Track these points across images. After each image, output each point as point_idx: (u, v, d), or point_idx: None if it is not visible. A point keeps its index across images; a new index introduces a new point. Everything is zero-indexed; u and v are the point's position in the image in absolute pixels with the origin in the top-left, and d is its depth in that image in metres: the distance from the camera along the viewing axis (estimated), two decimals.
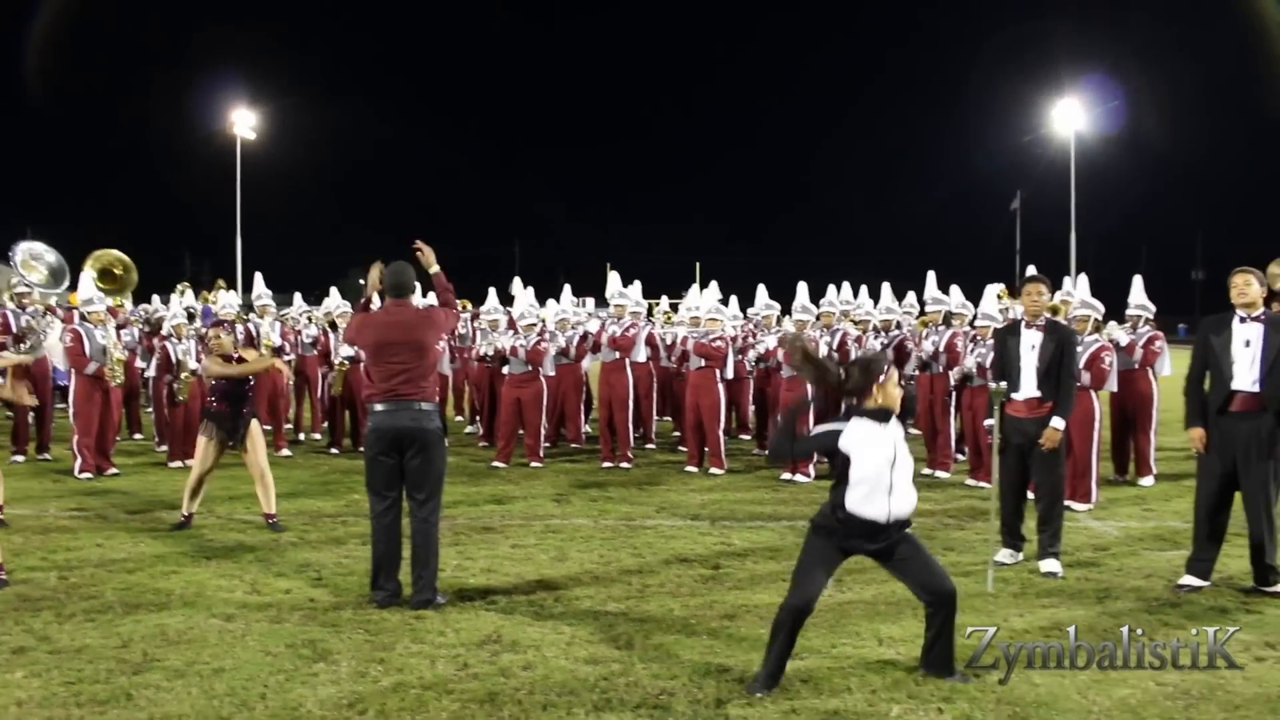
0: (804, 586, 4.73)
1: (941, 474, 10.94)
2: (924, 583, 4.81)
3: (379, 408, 6.08)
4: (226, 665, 4.99)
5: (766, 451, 4.67)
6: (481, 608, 6.02)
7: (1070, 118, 44.43)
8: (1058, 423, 6.84)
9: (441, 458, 6.21)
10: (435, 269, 6.50)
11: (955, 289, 11.52)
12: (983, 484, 10.15)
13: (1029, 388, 6.97)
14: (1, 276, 15.36)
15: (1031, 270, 8.45)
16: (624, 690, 4.70)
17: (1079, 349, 9.23)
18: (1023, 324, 7.14)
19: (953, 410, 11.11)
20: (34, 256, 11.70)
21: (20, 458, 11.72)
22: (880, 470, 4.67)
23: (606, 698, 4.62)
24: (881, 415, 4.77)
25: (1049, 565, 6.85)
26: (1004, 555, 7.06)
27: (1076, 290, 10.32)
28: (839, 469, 4.76)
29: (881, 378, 4.77)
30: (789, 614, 4.71)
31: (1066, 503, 8.95)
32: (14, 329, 11.84)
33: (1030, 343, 7.00)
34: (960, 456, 11.44)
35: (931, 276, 11.66)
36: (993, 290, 10.90)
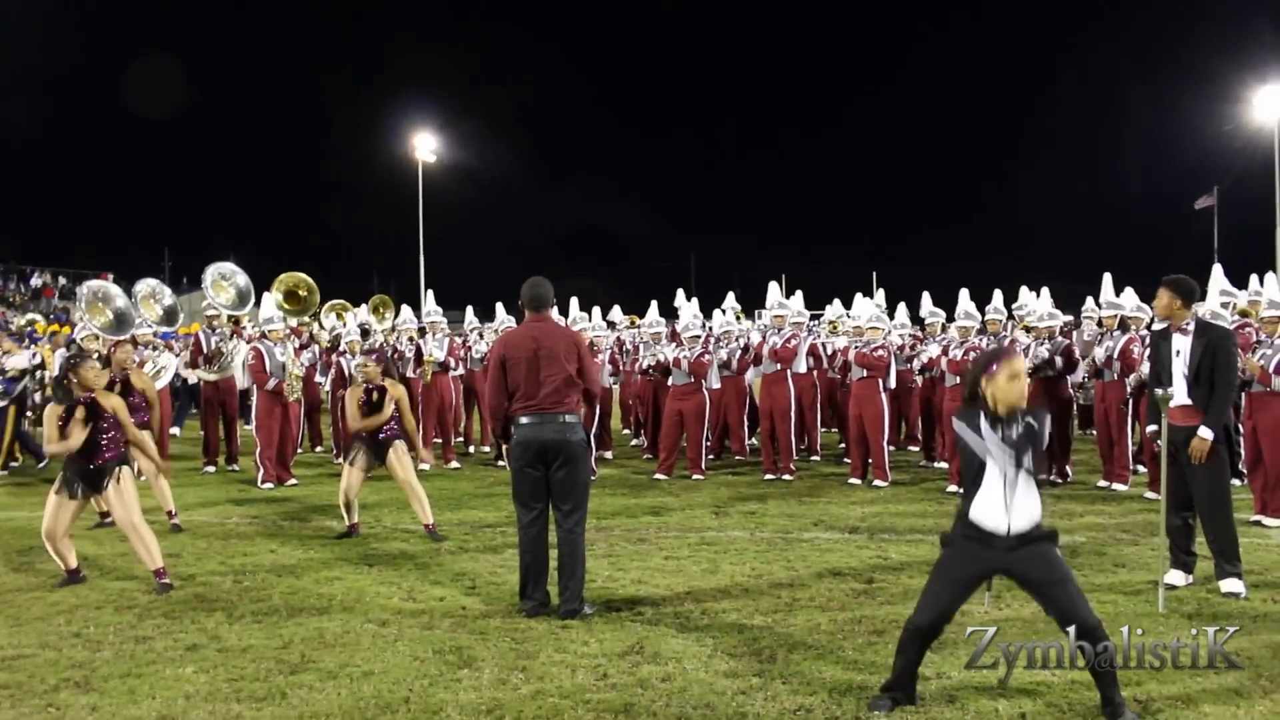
0: (927, 605, 4.49)
1: (1119, 486, 10.37)
2: (1062, 612, 4.39)
3: (524, 420, 6.17)
4: (376, 669, 5.16)
5: None
6: (627, 618, 6.04)
7: (1273, 105, 41.35)
8: (1205, 433, 6.31)
9: (586, 469, 6.28)
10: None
11: (1129, 292, 10.90)
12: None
13: (1180, 395, 6.48)
14: (195, 301, 16.39)
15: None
16: (761, 705, 4.62)
17: (1269, 351, 8.64)
18: (1170, 326, 6.66)
19: (1130, 419, 10.51)
20: (224, 277, 12.52)
21: (211, 468, 12.52)
22: (993, 478, 4.39)
23: (742, 712, 4.55)
24: (997, 417, 4.40)
25: (1230, 585, 6.34)
26: (1174, 577, 6.53)
27: (1266, 289, 9.61)
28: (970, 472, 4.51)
29: (991, 372, 4.40)
30: (910, 634, 4.52)
31: (1258, 518, 8.43)
32: (205, 350, 12.62)
33: (1176, 347, 6.54)
34: (1140, 469, 10.83)
35: (1108, 279, 11.05)
36: None
